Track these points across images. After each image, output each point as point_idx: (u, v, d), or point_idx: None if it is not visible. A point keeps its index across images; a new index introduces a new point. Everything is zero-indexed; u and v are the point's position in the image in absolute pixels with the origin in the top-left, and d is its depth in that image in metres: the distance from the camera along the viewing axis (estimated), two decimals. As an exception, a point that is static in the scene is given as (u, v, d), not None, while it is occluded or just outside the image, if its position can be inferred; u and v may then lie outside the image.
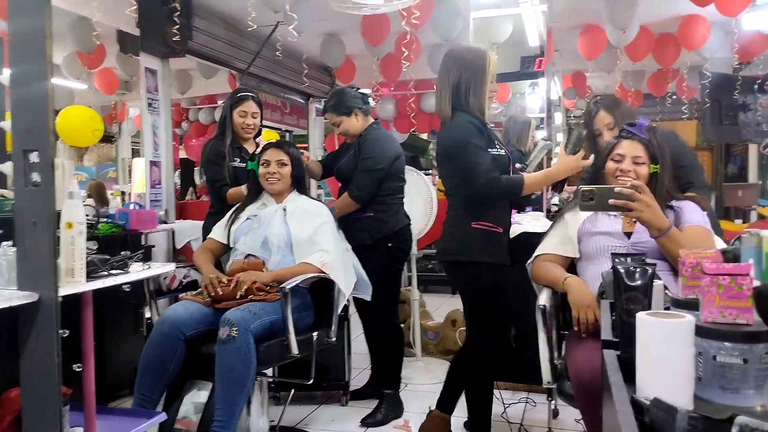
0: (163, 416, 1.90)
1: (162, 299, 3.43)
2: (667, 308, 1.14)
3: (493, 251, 2.25)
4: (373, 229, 2.80)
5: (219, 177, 2.91)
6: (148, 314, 3.10)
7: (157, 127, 4.23)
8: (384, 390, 2.89)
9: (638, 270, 1.07)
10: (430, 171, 7.75)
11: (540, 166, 2.47)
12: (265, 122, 6.57)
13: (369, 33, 4.58)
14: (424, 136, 8.20)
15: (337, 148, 3.21)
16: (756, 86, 5.47)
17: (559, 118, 7.78)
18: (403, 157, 2.93)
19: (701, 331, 0.91)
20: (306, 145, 6.85)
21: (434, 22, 4.32)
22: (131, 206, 3.98)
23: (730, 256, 1.18)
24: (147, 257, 3.37)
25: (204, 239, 2.90)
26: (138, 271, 1.78)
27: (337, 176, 2.96)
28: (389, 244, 2.83)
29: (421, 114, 6.91)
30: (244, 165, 2.85)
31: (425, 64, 5.36)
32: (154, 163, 4.19)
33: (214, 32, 4.56)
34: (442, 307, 4.71)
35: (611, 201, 1.74)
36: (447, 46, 4.73)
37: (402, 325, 3.46)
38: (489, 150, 2.20)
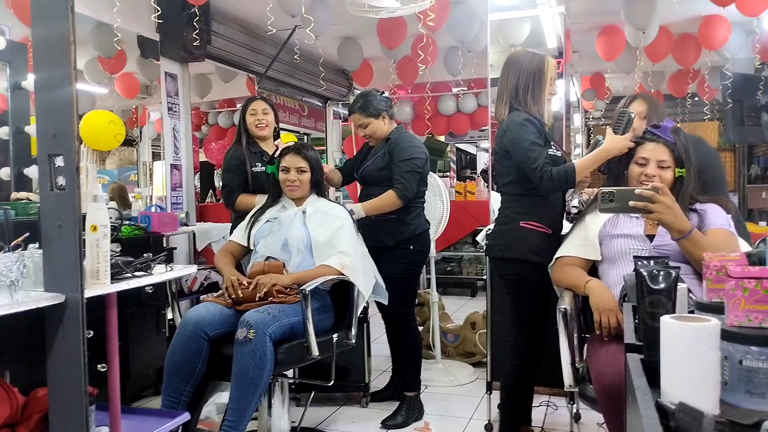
0: (186, 416, 1.92)
1: (183, 301, 3.47)
2: (691, 312, 1.13)
3: (539, 251, 2.25)
4: (396, 231, 2.81)
5: (230, 183, 2.99)
6: (170, 315, 3.14)
7: (177, 131, 4.29)
8: (405, 392, 2.89)
9: (662, 273, 1.06)
10: (448, 173, 7.76)
11: None
12: (282, 125, 6.63)
13: (385, 36, 4.60)
14: (442, 138, 8.21)
15: (355, 151, 3.21)
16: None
17: (577, 119, 7.73)
18: (429, 161, 2.95)
19: (727, 335, 0.90)
20: (323, 148, 6.88)
21: (451, 25, 4.33)
22: (153, 209, 4.03)
23: (755, 260, 1.16)
24: (169, 259, 3.41)
25: None
26: (161, 273, 1.80)
27: (362, 179, 2.95)
28: (411, 247, 2.83)
29: (438, 116, 6.92)
30: (265, 168, 2.88)
31: (442, 67, 5.37)
32: (174, 167, 4.24)
33: (233, 37, 4.61)
34: (462, 309, 4.71)
35: (631, 203, 1.73)
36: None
37: (421, 328, 3.46)
38: (548, 151, 2.22)
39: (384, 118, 2.86)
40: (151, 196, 5.96)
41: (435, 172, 6.12)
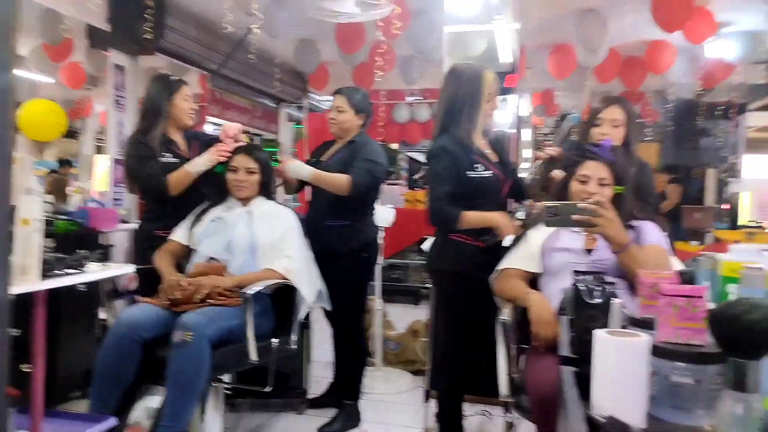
0: (113, 421, 1.85)
1: (120, 300, 3.35)
2: (624, 327, 1.16)
3: (466, 263, 2.27)
4: (351, 238, 2.77)
5: (154, 171, 2.61)
6: (103, 315, 3.02)
7: (123, 125, 4.15)
8: (344, 400, 2.86)
9: (598, 289, 1.09)
10: (399, 181, 7.79)
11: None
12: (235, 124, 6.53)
13: (343, 41, 4.59)
14: (395, 146, 8.24)
15: (308, 153, 3.15)
16: (717, 113, 5.66)
17: (527, 134, 7.90)
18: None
19: (656, 351, 0.93)
20: (277, 149, 6.78)
21: (409, 34, 4.35)
22: (91, 204, 3.88)
23: (687, 278, 1.20)
24: (106, 257, 3.28)
25: (140, 249, 2.71)
26: (94, 272, 1.73)
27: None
28: (363, 254, 2.81)
29: (392, 124, 6.94)
30: (176, 161, 2.66)
31: (398, 75, 5.39)
32: (118, 162, 4.10)
33: (187, 32, 4.51)
34: (405, 317, 4.70)
35: (575, 217, 1.77)
36: (422, 59, 4.75)
37: (365, 335, 3.44)
38: (467, 173, 2.25)
39: (361, 118, 2.83)
40: (91, 191, 5.74)
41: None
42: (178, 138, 2.78)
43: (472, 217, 2.25)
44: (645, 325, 1.07)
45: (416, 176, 7.15)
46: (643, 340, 0.90)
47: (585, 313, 1.07)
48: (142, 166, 2.65)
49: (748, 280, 0.96)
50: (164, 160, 2.65)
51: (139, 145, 2.67)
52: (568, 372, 1.00)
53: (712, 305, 0.96)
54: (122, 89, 4.15)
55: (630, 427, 0.70)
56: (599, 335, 0.92)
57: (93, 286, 2.49)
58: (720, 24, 4.38)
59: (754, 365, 0.84)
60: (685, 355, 0.91)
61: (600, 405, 0.89)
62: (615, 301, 1.15)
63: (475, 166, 2.26)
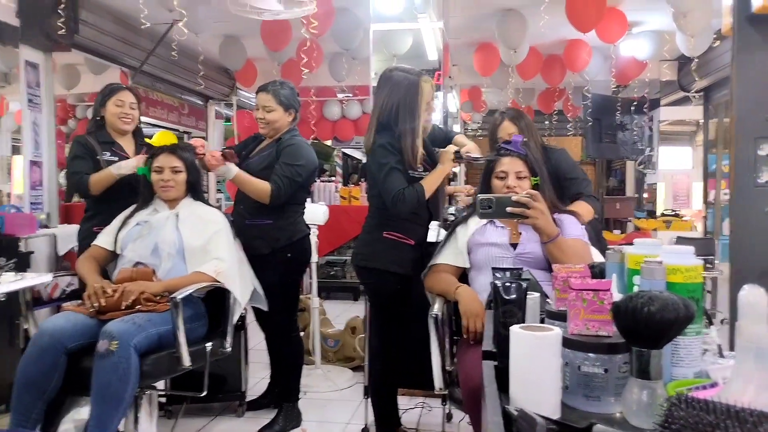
0: (37, 437, 1.78)
1: (43, 309, 3.21)
2: (542, 320, 1.22)
3: (401, 261, 2.32)
4: (270, 238, 2.68)
5: (80, 169, 2.72)
6: (26, 325, 2.90)
7: (39, 125, 3.98)
8: (283, 402, 2.85)
9: (514, 285, 1.14)
10: (333, 177, 7.79)
11: None
12: (162, 123, 6.36)
13: (269, 38, 4.55)
14: (328, 142, 8.23)
15: (238, 144, 3.07)
16: (633, 108, 5.97)
17: (457, 129, 8.06)
18: (317, 170, 2.87)
19: (568, 343, 0.98)
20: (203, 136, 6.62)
21: (335, 32, 4.36)
22: (7, 209, 3.69)
23: (597, 271, 1.28)
24: (25, 264, 3.14)
25: (80, 248, 2.71)
26: (9, 282, 1.66)
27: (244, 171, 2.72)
28: (288, 255, 2.71)
29: (323, 121, 6.93)
30: (117, 159, 2.75)
31: (327, 72, 5.39)
32: (34, 163, 3.92)
33: (104, 27, 4.35)
34: (344, 314, 4.73)
35: (509, 209, 1.84)
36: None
37: (302, 333, 3.44)
38: (408, 172, 2.29)
39: (290, 114, 2.77)
40: (10, 194, 5.45)
41: (319, 176, 6.14)
42: (124, 140, 2.86)
43: (430, 182, 2.32)
44: (561, 317, 1.14)
45: (355, 174, 7.18)
46: (554, 333, 0.96)
47: (502, 309, 1.12)
48: (70, 163, 2.78)
49: (648, 273, 1.03)
50: (105, 158, 2.75)
51: (76, 144, 2.79)
52: (488, 366, 1.05)
53: (618, 297, 1.02)
54: (36, 87, 3.96)
55: (536, 422, 0.74)
56: (513, 330, 0.97)
57: (13, 295, 2.38)
58: (631, 24, 4.61)
59: (656, 354, 0.90)
60: (593, 346, 0.97)
61: (517, 398, 0.94)
62: (532, 295, 1.20)
63: (413, 166, 2.32)
